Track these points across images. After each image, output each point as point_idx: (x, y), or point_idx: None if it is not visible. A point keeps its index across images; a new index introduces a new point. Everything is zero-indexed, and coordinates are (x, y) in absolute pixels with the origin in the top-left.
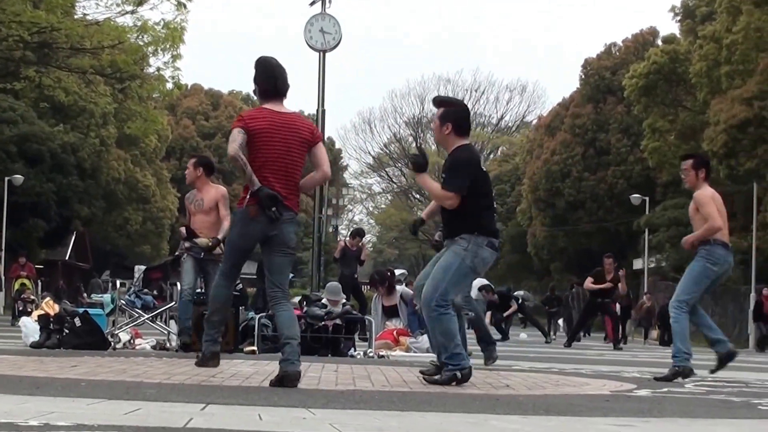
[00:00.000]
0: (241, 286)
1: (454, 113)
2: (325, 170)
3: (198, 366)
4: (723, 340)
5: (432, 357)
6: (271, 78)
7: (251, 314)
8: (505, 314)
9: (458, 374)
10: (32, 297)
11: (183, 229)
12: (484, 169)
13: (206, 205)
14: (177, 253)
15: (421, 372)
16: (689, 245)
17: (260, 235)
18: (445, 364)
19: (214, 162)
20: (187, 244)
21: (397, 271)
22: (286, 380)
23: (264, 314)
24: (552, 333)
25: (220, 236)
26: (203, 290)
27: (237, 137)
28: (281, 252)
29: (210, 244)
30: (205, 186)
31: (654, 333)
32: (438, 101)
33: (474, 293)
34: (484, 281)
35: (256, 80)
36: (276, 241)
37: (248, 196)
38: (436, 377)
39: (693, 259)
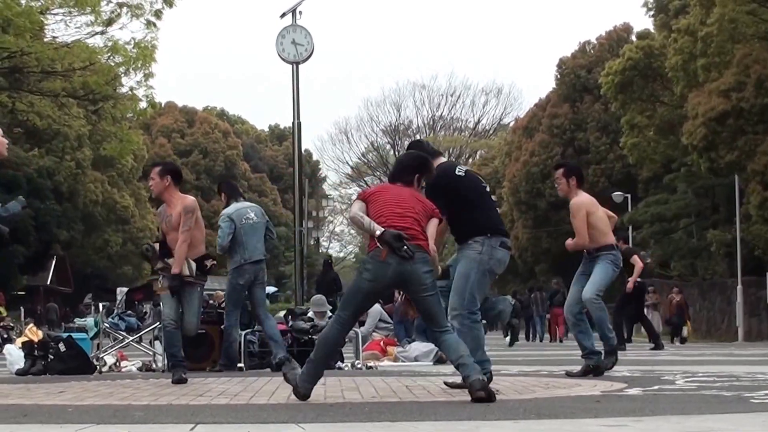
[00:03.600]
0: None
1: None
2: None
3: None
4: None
5: (421, 364)
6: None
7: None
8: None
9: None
10: (11, 324)
11: (156, 246)
12: (462, 174)
13: (175, 220)
14: (155, 277)
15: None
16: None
17: (393, 276)
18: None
19: (180, 169)
20: (159, 265)
21: None
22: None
23: (249, 331)
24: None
25: (176, 269)
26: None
27: (354, 206)
28: (423, 292)
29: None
30: (174, 198)
31: (685, 330)
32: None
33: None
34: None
35: None
36: (413, 282)
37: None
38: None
39: (598, 261)
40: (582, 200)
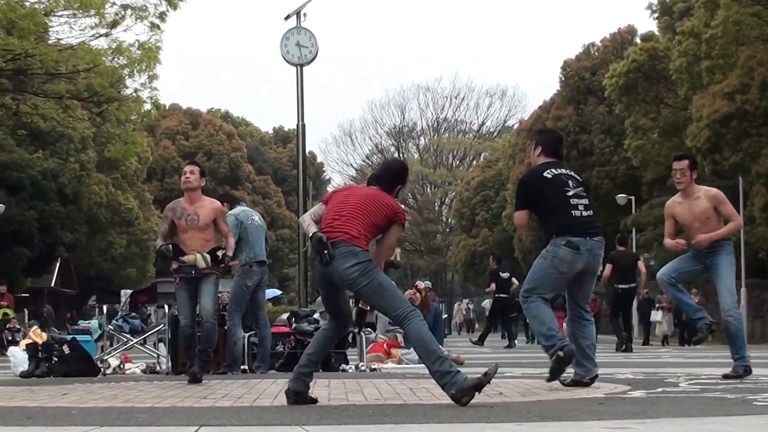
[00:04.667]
0: None
1: (542, 137)
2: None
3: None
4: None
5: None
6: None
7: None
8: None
9: (560, 353)
10: (18, 326)
11: (170, 248)
12: (549, 176)
13: (202, 221)
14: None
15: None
16: (707, 243)
17: (321, 277)
18: (546, 348)
19: None
20: (174, 266)
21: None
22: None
23: (253, 333)
24: (510, 337)
25: (230, 253)
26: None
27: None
28: (353, 286)
29: (198, 259)
30: (200, 199)
31: None
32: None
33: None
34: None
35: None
36: (337, 279)
37: None
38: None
39: (720, 254)
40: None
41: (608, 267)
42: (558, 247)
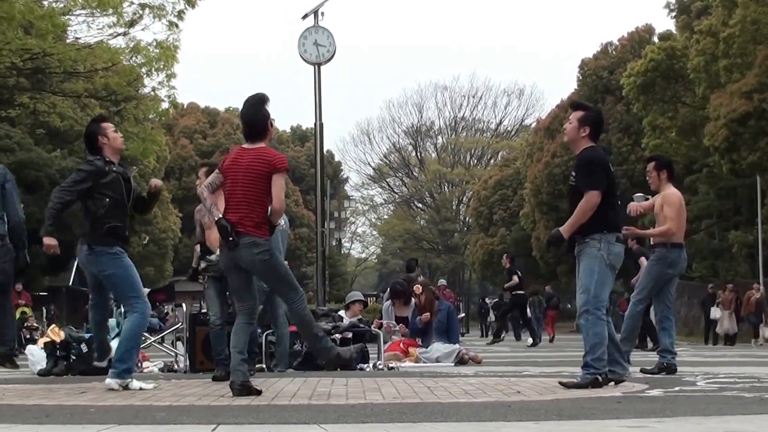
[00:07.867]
0: None
1: (593, 118)
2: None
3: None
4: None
5: (443, 365)
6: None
7: (258, 331)
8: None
9: (599, 378)
10: (36, 324)
11: (197, 247)
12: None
13: None
14: (193, 270)
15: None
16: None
17: (228, 261)
18: (588, 365)
19: None
20: (203, 264)
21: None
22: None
23: (270, 331)
24: (503, 335)
25: None
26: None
27: (210, 177)
28: (255, 272)
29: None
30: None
31: (766, 331)
32: (576, 105)
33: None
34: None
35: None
36: (245, 265)
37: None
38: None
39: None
40: (676, 193)
41: None
42: (611, 243)
